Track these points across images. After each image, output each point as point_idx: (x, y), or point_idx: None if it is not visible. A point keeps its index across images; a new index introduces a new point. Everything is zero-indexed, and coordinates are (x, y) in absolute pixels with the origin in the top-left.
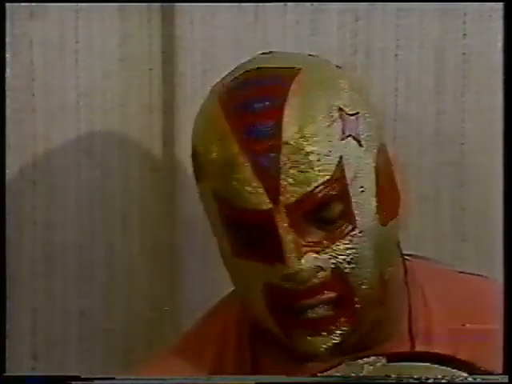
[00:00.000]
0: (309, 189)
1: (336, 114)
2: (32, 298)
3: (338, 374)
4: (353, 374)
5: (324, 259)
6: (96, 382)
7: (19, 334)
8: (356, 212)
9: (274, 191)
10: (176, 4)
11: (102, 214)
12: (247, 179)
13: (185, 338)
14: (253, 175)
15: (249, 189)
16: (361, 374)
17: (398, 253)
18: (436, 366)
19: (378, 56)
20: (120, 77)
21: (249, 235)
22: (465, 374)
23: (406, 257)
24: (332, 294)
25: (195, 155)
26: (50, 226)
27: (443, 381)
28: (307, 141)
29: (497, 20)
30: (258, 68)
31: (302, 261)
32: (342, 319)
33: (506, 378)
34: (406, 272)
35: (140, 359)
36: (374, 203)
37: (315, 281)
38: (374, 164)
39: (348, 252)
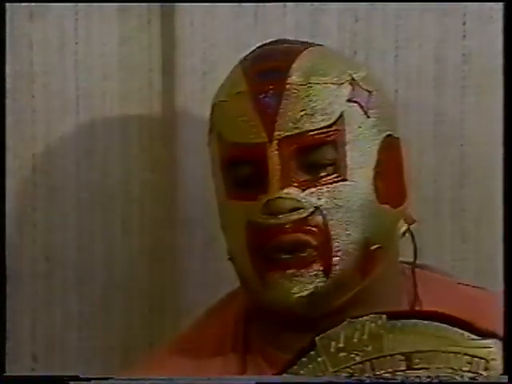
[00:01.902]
0: (303, 129)
1: (347, 79)
2: (32, 297)
3: (343, 375)
4: (356, 333)
5: (306, 197)
6: (95, 381)
7: (19, 334)
8: (349, 166)
9: (270, 126)
10: (176, 5)
11: (102, 215)
12: (248, 114)
13: (183, 337)
14: (253, 111)
15: (248, 123)
16: (363, 333)
17: (395, 246)
18: (435, 323)
19: (377, 56)
20: (120, 78)
21: (243, 172)
22: (460, 331)
23: (406, 265)
24: (309, 237)
25: (212, 108)
26: (50, 227)
27: (443, 380)
28: (311, 87)
29: (497, 20)
30: (280, 40)
31: (284, 190)
32: (316, 266)
33: (505, 378)
34: (405, 277)
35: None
36: (371, 174)
37: (293, 217)
38: (377, 145)
39: (331, 198)
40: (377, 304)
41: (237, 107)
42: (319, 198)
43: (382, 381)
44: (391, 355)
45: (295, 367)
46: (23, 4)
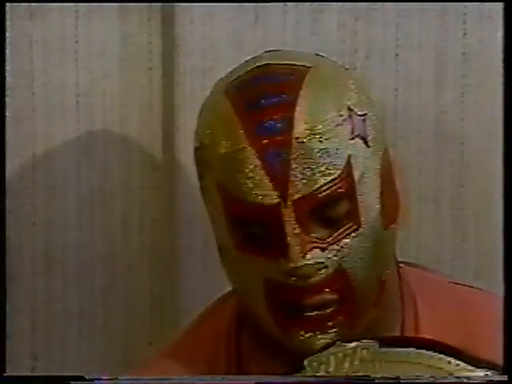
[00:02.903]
0: (317, 185)
1: (346, 114)
2: (32, 297)
3: (340, 374)
4: (346, 359)
5: (328, 256)
6: (96, 382)
7: (19, 333)
8: (361, 212)
9: (282, 186)
10: (176, 4)
11: (102, 214)
12: (255, 173)
13: (179, 340)
14: (261, 169)
15: (257, 183)
16: (354, 359)
17: (394, 258)
18: (428, 352)
19: (378, 56)
20: (120, 76)
21: (253, 230)
22: (454, 361)
23: (401, 264)
24: (334, 295)
25: (200, 149)
26: (50, 226)
27: (444, 381)
28: (317, 138)
29: (497, 20)
30: (268, 64)
31: (307, 256)
32: (340, 318)
33: (505, 378)
34: (400, 279)
35: (139, 359)
36: (378, 205)
37: (317, 278)
38: (379, 166)
39: (352, 251)
40: (383, 312)
41: (241, 165)
42: (340, 254)
43: (381, 381)
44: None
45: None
46: (23, 4)
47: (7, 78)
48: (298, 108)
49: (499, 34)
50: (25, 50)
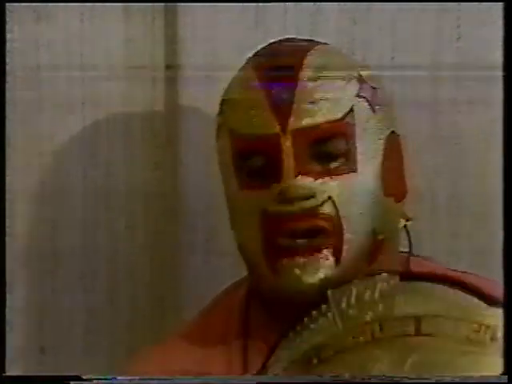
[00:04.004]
0: (316, 122)
1: (355, 75)
2: (40, 292)
3: (345, 375)
4: (367, 291)
5: (318, 186)
6: (96, 381)
7: (27, 327)
8: (359, 159)
9: (283, 118)
10: (178, 5)
11: (107, 211)
12: (261, 108)
13: (190, 325)
14: (267, 104)
15: (261, 116)
16: (375, 291)
17: (397, 234)
18: (445, 287)
19: (374, 58)
20: (124, 78)
21: (255, 163)
22: (471, 297)
23: (403, 254)
24: (323, 223)
25: (219, 108)
26: (57, 224)
27: (445, 380)
28: (323, 83)
29: (492, 23)
30: (287, 39)
31: (297, 178)
32: (327, 252)
33: (505, 378)
34: (407, 264)
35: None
36: (378, 167)
37: (306, 205)
38: (383, 137)
39: (342, 189)
40: None
41: (249, 101)
42: (331, 188)
43: (383, 381)
44: (401, 318)
45: (306, 320)
46: (30, 5)
47: (16, 79)
48: (309, 57)
49: (495, 36)
50: (32, 52)
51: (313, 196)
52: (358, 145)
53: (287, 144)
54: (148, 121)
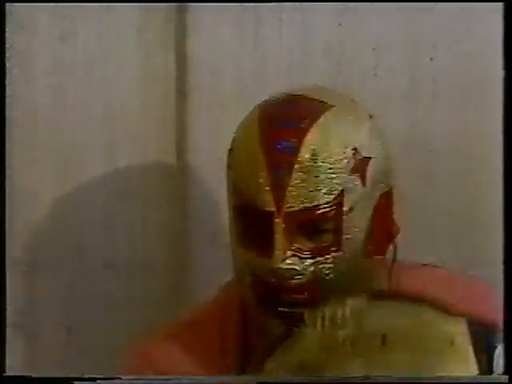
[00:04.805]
0: (308, 205)
1: (350, 153)
2: (66, 282)
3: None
4: (339, 310)
5: (304, 266)
6: (99, 381)
7: (55, 310)
8: (344, 239)
9: (279, 198)
10: (188, 26)
11: (125, 214)
12: (262, 183)
13: (191, 318)
14: (266, 178)
15: (260, 188)
16: (346, 310)
17: (377, 279)
18: (408, 303)
19: (359, 75)
20: (140, 93)
21: (250, 227)
22: (433, 310)
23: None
24: (305, 298)
25: (230, 152)
26: (82, 220)
27: (445, 380)
28: (319, 166)
29: (466, 44)
30: (297, 95)
31: (286, 261)
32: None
33: (506, 378)
34: (390, 279)
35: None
36: (362, 238)
37: (293, 282)
38: (372, 205)
39: (328, 268)
40: None
41: (252, 171)
42: (316, 269)
43: (381, 381)
44: (369, 334)
45: (288, 340)
46: (55, 26)
47: (45, 91)
48: (308, 136)
49: (467, 58)
50: (56, 69)
51: (299, 275)
52: (344, 224)
53: (279, 223)
54: (161, 132)
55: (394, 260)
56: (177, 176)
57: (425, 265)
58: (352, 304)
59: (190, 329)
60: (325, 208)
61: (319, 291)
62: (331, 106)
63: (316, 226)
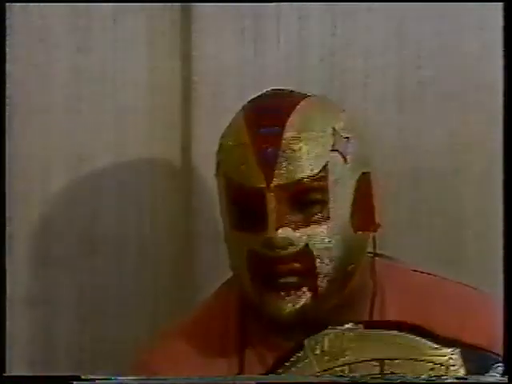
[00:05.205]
0: (295, 178)
1: (330, 131)
2: (78, 274)
3: (340, 375)
4: (337, 339)
5: (297, 236)
6: (98, 381)
7: (67, 299)
8: (331, 208)
9: (268, 174)
10: (193, 42)
11: (134, 211)
12: (251, 164)
13: (192, 318)
14: (255, 160)
15: (250, 170)
16: (343, 339)
17: (364, 256)
18: (403, 333)
19: (350, 84)
20: (148, 101)
21: (244, 209)
22: (425, 340)
23: (372, 255)
24: (299, 268)
25: (218, 149)
26: (94, 219)
27: (443, 381)
28: (301, 143)
29: (452, 55)
30: (277, 89)
31: (279, 231)
32: (304, 288)
33: (506, 379)
34: (373, 270)
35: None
36: (348, 210)
37: (286, 251)
38: (354, 182)
39: (318, 237)
40: (353, 298)
41: (241, 156)
42: (307, 237)
43: (381, 381)
44: (366, 361)
45: (287, 364)
46: (71, 38)
47: (61, 97)
48: (290, 119)
49: (451, 66)
50: (73, 79)
51: (291, 244)
52: (330, 195)
53: (271, 197)
54: (167, 136)
55: (374, 252)
56: (182, 176)
57: (415, 270)
58: (349, 333)
59: (190, 329)
60: (312, 180)
61: (313, 260)
62: (309, 96)
63: (305, 198)
